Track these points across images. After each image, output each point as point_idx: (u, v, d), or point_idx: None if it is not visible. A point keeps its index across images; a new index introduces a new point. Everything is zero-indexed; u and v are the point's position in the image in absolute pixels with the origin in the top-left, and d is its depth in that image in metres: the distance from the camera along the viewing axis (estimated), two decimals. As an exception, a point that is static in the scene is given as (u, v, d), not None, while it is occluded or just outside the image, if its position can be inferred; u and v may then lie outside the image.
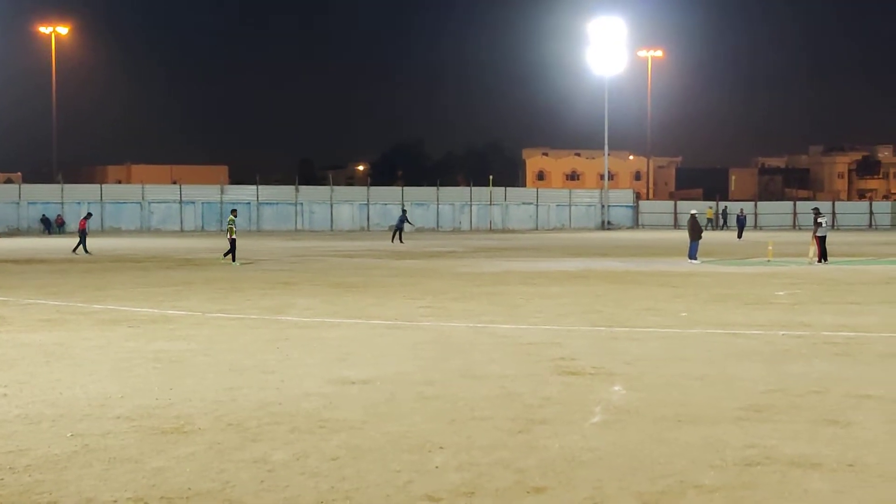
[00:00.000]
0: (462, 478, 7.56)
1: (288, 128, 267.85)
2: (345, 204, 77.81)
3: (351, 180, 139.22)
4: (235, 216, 35.24)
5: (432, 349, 13.92)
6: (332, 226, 76.04)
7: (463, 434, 8.87)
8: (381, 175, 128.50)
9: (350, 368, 12.30)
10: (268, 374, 11.89)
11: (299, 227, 75.18)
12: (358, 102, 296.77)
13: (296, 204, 76.42)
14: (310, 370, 12.20)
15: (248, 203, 75.28)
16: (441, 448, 8.39)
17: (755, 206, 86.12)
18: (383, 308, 19.30)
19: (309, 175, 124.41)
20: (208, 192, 76.43)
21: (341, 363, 12.72)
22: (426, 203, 77.86)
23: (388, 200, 78.83)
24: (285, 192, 78.23)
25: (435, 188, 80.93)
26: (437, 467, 7.84)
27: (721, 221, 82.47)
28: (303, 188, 79.17)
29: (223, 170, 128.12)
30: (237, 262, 33.11)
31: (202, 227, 73.70)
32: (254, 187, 77.26)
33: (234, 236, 33.69)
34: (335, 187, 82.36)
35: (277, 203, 76.16)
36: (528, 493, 7.21)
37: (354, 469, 7.80)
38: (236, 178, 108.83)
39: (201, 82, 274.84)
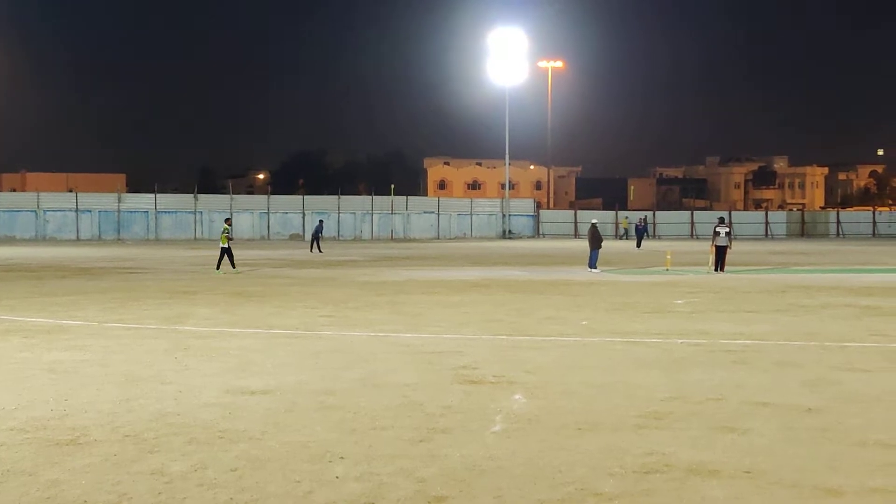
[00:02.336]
0: (363, 487, 7.51)
1: (187, 136, 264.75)
2: (245, 212, 77.09)
3: (251, 189, 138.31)
4: (230, 224, 35.93)
5: (333, 358, 13.84)
6: (232, 234, 75.10)
7: (364, 443, 8.82)
8: (282, 184, 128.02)
9: (249, 378, 12.16)
10: (165, 385, 11.69)
11: (198, 235, 74.23)
12: (259, 110, 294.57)
13: (195, 212, 75.47)
14: (208, 380, 12.02)
15: (146, 212, 74.29)
16: (342, 458, 8.33)
17: (654, 215, 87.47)
18: (284, 317, 19.13)
19: (208, 183, 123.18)
20: (105, 201, 75.14)
21: (241, 373, 12.57)
22: (327, 212, 77.31)
23: (288, 209, 78.41)
24: (184, 200, 77.20)
25: (336, 197, 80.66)
26: (337, 477, 7.77)
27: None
28: (202, 196, 78.19)
29: (120, 178, 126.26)
30: (236, 269, 33.38)
31: (99, 235, 72.42)
32: (152, 196, 76.18)
33: (226, 245, 33.96)
34: (235, 196, 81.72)
35: (176, 212, 75.12)
36: (429, 502, 7.19)
37: (253, 480, 7.70)
38: (134, 187, 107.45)
39: (98, 88, 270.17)
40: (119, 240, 71.15)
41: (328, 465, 8.11)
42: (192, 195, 77.27)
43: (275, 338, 16.15)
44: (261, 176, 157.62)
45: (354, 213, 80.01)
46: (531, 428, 9.48)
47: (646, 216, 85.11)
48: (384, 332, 16.84)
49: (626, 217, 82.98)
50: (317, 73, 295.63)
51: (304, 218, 77.05)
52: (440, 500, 7.23)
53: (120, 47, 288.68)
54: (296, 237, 75.43)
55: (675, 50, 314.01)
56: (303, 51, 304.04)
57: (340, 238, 76.53)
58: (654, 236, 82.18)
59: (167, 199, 77.06)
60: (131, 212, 74.36)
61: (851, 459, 8.35)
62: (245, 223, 76.37)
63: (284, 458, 8.32)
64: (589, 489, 7.48)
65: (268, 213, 77.35)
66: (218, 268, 33.61)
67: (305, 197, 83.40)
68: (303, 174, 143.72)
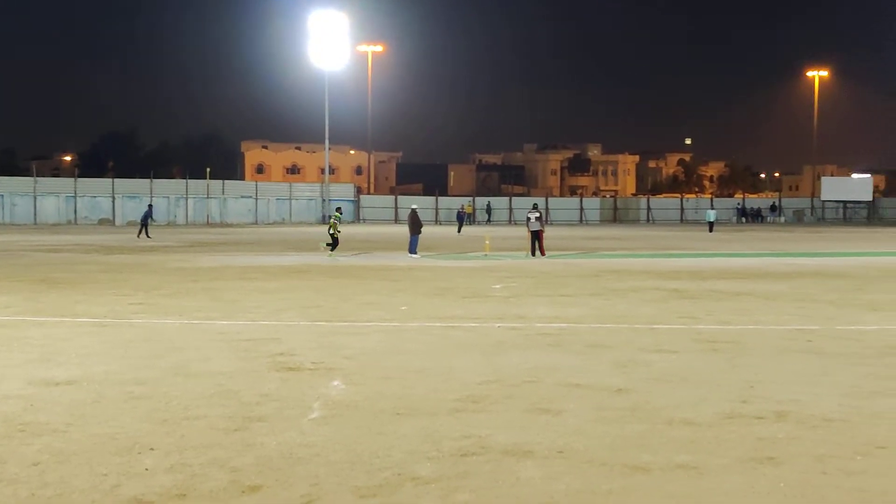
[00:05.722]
0: (174, 479, 7.27)
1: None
2: (50, 196, 74.21)
3: (57, 171, 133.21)
4: (341, 213, 37.97)
5: (144, 347, 13.43)
6: (35, 219, 72.34)
7: (176, 434, 8.56)
8: (91, 166, 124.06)
9: (54, 369, 11.67)
10: (-37, 377, 11.12)
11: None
12: (65, 90, 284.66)
13: (-6, 195, 72.39)
14: (9, 371, 11.49)
15: (-57, 195, 70.82)
16: (152, 449, 8.06)
17: (473, 201, 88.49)
18: (91, 305, 18.50)
19: (11, 166, 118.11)
20: None
21: (44, 363, 12.06)
22: (139, 196, 75.06)
23: (97, 193, 75.79)
24: (-18, 182, 73.93)
25: (149, 180, 78.42)
26: (147, 469, 7.51)
27: (486, 216, 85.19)
28: (3, 179, 75.07)
29: None
30: (331, 253, 34.67)
31: None
32: (-51, 179, 72.67)
33: (332, 231, 35.26)
34: (39, 178, 78.31)
35: (-25, 195, 71.93)
36: (242, 492, 7.01)
37: (57, 474, 7.36)
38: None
39: None
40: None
41: (137, 457, 7.83)
42: (-8, 178, 74.09)
43: (81, 326, 15.58)
44: (68, 158, 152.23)
45: (168, 198, 77.86)
46: (349, 414, 9.39)
47: (489, 202, 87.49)
48: (198, 320, 16.46)
49: (469, 203, 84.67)
50: (129, 52, 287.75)
51: (113, 202, 74.78)
52: (255, 490, 7.06)
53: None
54: (105, 222, 73.20)
55: (495, 39, 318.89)
56: (114, 29, 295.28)
57: (154, 223, 74.52)
58: (486, 221, 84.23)
59: (-35, 183, 73.71)
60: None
61: (659, 437, 8.56)
62: (50, 207, 73.57)
63: (90, 451, 7.99)
64: (406, 474, 7.43)
65: (75, 197, 74.55)
66: (333, 249, 34.95)
67: (115, 180, 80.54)
68: (113, 156, 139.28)
